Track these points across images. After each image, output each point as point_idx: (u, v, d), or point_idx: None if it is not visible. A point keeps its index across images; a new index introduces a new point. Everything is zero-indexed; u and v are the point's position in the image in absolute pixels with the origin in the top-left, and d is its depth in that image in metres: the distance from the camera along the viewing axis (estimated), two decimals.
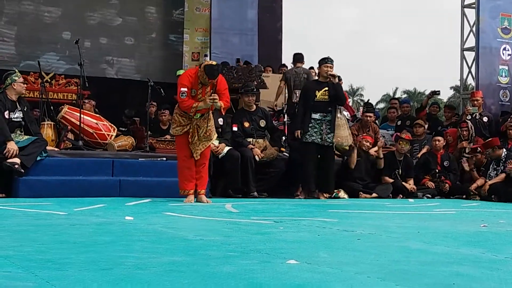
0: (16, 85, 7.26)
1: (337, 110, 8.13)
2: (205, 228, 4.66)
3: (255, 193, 8.00)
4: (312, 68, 12.49)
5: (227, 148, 8.03)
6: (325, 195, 8.13)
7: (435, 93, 11.32)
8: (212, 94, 6.51)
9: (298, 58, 10.33)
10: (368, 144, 8.99)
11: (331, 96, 8.03)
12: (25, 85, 7.76)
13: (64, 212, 5.33)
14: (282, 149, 8.91)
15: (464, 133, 9.92)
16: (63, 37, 12.05)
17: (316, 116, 8.02)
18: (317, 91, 8.07)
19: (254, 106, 8.58)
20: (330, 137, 8.02)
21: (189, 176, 6.72)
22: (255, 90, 8.71)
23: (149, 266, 2.88)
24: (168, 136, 8.82)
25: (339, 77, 8.22)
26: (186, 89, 6.50)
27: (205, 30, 13.12)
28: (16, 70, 7.56)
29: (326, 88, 8.04)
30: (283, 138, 9.16)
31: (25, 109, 7.33)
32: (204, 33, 13.18)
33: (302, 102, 8.31)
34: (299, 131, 8.11)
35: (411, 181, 9.08)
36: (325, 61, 8.18)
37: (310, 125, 8.01)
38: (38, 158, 7.10)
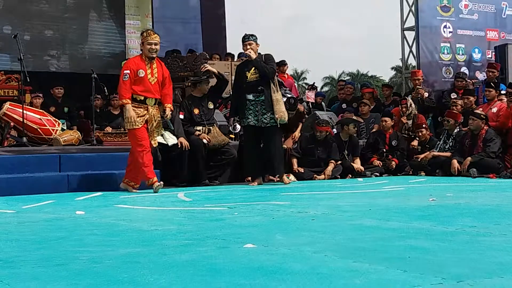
0: None
1: (273, 86, 7.63)
2: (159, 218, 4.62)
3: (207, 181, 7.94)
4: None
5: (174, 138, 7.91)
6: (275, 178, 7.87)
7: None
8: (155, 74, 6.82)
9: None
10: (324, 133, 8.94)
11: (261, 74, 7.66)
12: None
13: (12, 210, 5.19)
14: (232, 135, 8.91)
15: (403, 109, 10.08)
16: (3, 31, 11.63)
17: (250, 97, 7.67)
18: (247, 72, 7.73)
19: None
20: (266, 118, 7.61)
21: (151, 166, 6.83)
22: (210, 77, 8.62)
23: (104, 259, 2.83)
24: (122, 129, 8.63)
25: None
26: (129, 71, 6.74)
27: None
28: None
29: (255, 67, 7.69)
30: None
31: None
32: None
33: (235, 85, 8.12)
34: (231, 119, 8.04)
35: (358, 160, 9.17)
36: (243, 40, 7.80)
37: (246, 107, 7.68)
38: None
